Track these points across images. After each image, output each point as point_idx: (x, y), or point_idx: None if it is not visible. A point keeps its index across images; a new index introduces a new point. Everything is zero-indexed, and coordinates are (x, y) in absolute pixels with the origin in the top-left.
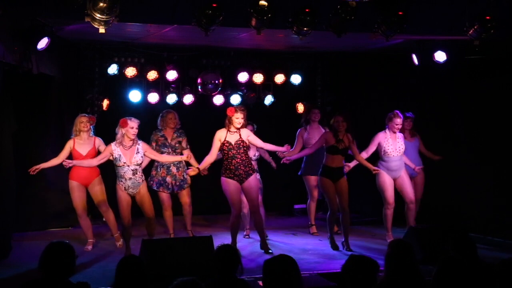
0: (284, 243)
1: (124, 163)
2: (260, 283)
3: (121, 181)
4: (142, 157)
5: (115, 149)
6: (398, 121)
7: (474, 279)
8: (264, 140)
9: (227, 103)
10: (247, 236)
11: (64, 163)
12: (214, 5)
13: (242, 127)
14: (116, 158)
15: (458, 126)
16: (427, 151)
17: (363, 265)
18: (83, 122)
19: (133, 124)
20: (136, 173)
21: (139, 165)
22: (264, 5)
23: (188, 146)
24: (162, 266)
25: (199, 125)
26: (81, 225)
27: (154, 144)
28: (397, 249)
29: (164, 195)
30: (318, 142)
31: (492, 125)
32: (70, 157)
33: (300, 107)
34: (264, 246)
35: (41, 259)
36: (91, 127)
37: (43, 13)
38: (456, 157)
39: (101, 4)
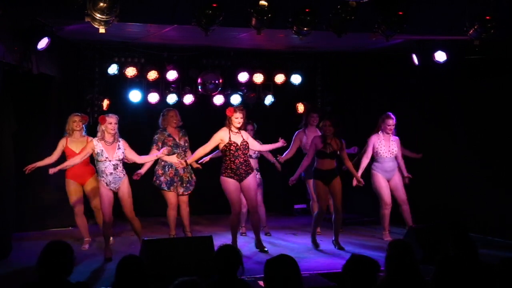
0: (285, 242)
1: (106, 158)
2: (261, 283)
3: (102, 176)
4: (123, 153)
5: (96, 144)
6: (390, 122)
7: (474, 279)
8: (264, 140)
9: (227, 103)
10: (244, 234)
11: (50, 172)
12: (214, 5)
13: (241, 127)
14: (98, 153)
15: (458, 126)
16: (405, 149)
17: (363, 265)
18: (75, 122)
19: (111, 120)
20: (117, 168)
21: (121, 160)
22: (264, 5)
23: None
24: (162, 266)
25: (199, 125)
26: (77, 224)
27: (160, 144)
28: (397, 249)
29: (173, 195)
30: (311, 149)
31: (492, 125)
32: (64, 155)
33: (300, 107)
34: (259, 245)
35: (39, 259)
36: (83, 126)
37: (43, 13)
38: (456, 157)
39: (101, 4)
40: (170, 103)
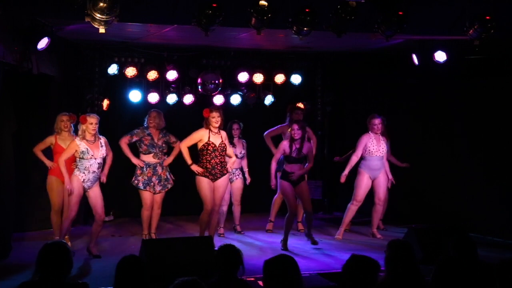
0: None
1: (92, 155)
2: (260, 283)
3: (84, 173)
4: (105, 150)
5: (79, 143)
6: (376, 121)
7: (474, 279)
8: (261, 139)
9: (227, 103)
10: (241, 233)
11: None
12: (214, 5)
13: (220, 126)
14: (83, 152)
15: (458, 126)
16: (392, 157)
17: (364, 265)
18: (63, 121)
19: (92, 120)
20: (100, 168)
21: (104, 159)
22: (264, 5)
23: (177, 139)
24: (162, 266)
25: (199, 125)
26: (51, 221)
27: (134, 138)
28: (397, 249)
29: (148, 195)
30: (278, 152)
31: (492, 125)
32: (51, 152)
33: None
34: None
35: (37, 260)
36: (71, 125)
37: (43, 13)
38: (456, 157)
39: (101, 4)
40: (170, 103)
